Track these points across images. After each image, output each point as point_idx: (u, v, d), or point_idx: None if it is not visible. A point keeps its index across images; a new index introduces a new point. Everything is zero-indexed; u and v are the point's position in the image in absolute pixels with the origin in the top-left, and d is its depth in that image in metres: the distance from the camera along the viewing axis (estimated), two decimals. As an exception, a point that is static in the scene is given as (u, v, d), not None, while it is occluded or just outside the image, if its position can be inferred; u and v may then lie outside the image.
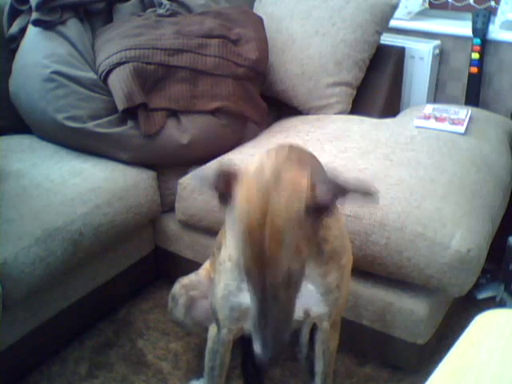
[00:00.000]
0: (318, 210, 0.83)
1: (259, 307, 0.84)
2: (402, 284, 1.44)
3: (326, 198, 0.82)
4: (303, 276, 0.87)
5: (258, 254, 0.80)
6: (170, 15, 1.92)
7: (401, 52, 2.16)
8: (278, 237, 0.80)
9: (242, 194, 0.83)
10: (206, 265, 1.46)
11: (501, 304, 1.77)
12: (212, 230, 1.67)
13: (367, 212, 1.40)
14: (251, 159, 0.90)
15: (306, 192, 0.81)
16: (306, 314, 1.12)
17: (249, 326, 1.00)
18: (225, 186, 0.85)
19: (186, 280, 1.45)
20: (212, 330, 1.25)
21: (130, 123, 1.68)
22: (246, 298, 0.94)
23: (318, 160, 0.98)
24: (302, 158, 0.91)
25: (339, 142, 1.71)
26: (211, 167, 0.99)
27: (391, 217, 1.38)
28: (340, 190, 0.82)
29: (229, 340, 1.23)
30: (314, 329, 1.41)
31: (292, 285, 0.84)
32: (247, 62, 1.81)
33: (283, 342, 0.86)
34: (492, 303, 1.79)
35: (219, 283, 1.12)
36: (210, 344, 1.26)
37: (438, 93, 2.47)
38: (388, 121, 1.90)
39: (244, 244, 0.81)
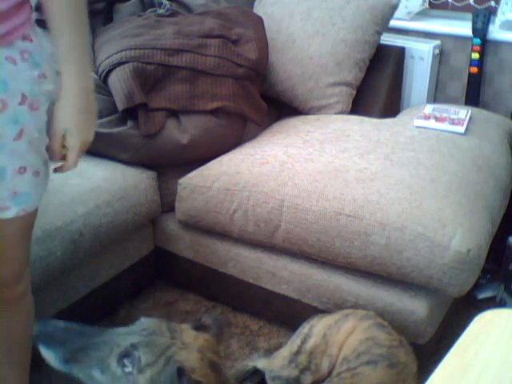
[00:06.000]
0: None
1: None
2: (401, 284, 1.44)
3: None
4: None
5: None
6: (170, 15, 1.92)
7: (401, 52, 2.16)
8: None
9: None
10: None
11: (501, 304, 1.77)
12: (212, 230, 1.67)
13: (367, 212, 1.40)
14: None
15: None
16: None
17: None
18: None
19: None
20: None
21: (129, 123, 1.68)
22: None
23: None
24: None
25: (339, 142, 1.71)
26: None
27: (391, 217, 1.38)
28: None
29: None
30: None
31: None
32: (247, 62, 1.81)
33: None
34: (492, 303, 1.79)
35: None
36: None
37: (437, 93, 2.47)
38: (388, 121, 1.90)
39: None
